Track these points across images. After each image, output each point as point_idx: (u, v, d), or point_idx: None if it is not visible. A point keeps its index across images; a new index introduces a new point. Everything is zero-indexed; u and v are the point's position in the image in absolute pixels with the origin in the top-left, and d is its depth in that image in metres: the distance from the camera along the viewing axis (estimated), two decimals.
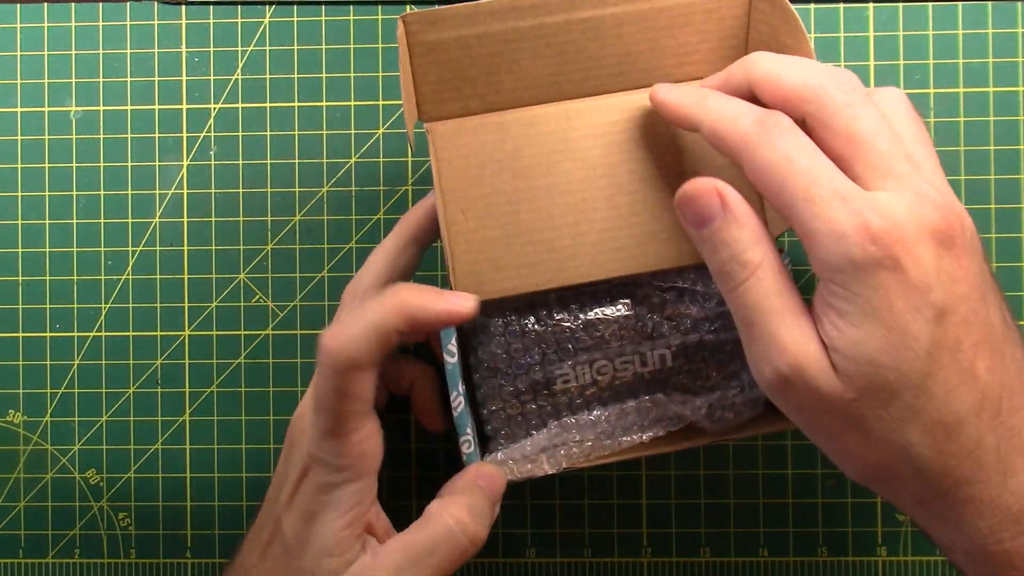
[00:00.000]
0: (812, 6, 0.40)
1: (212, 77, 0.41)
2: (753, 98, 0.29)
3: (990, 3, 0.40)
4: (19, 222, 0.41)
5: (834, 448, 0.28)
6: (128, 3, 0.42)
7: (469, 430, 0.32)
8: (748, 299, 0.28)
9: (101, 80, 0.41)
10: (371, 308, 0.30)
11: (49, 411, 0.42)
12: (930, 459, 0.26)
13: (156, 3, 0.41)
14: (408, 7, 0.41)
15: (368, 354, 0.29)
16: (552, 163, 0.33)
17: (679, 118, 0.31)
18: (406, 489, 0.41)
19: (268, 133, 0.41)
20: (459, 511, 0.31)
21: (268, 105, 0.41)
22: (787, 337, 0.27)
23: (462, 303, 0.31)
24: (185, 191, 0.41)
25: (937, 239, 0.26)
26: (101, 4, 0.41)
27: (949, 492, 0.27)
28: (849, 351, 0.26)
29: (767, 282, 0.28)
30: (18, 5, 0.42)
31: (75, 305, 0.41)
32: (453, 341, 0.32)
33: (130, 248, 0.41)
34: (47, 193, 0.41)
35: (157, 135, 0.41)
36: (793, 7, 0.31)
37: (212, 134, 0.41)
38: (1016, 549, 0.27)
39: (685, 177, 0.30)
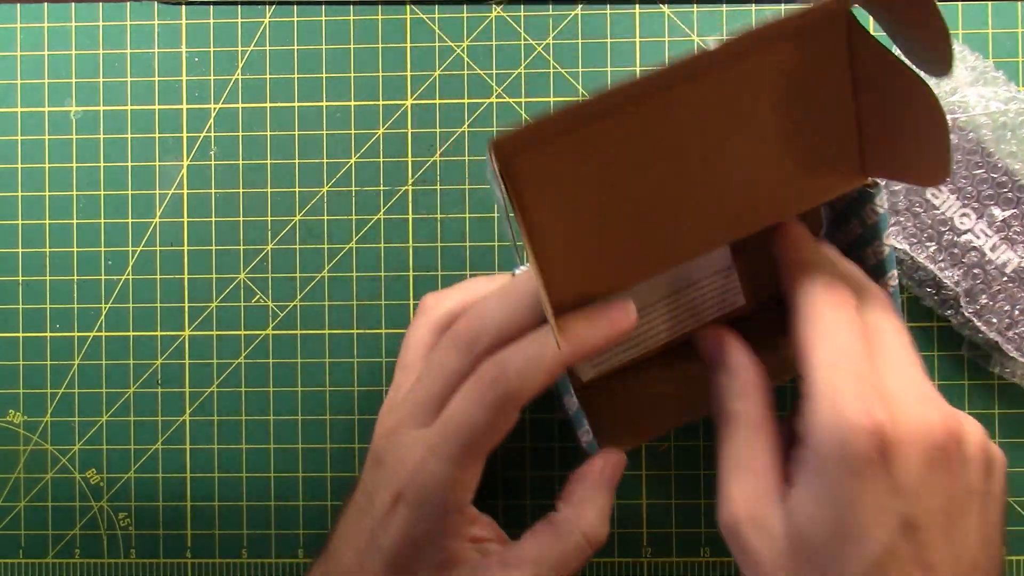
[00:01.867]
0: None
1: (212, 77, 0.41)
2: None
3: (990, 3, 0.40)
4: (19, 222, 0.41)
5: None
6: (128, 3, 0.42)
7: (585, 422, 0.32)
8: (721, 445, 0.30)
9: (101, 80, 0.41)
10: (544, 344, 0.29)
11: (49, 411, 0.42)
12: None
13: (156, 3, 0.41)
14: (408, 7, 0.41)
15: (535, 392, 0.29)
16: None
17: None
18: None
19: (268, 133, 0.41)
20: (591, 523, 0.31)
21: (268, 105, 0.41)
22: (737, 493, 0.29)
23: (624, 316, 0.29)
24: (185, 191, 0.41)
25: (933, 449, 0.26)
26: (101, 4, 0.41)
27: None
28: (803, 526, 0.27)
29: (739, 435, 0.30)
30: (18, 5, 0.42)
31: (75, 305, 0.41)
32: None
33: (130, 248, 0.41)
34: (47, 193, 0.41)
35: (157, 135, 0.41)
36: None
37: (212, 134, 0.41)
38: None
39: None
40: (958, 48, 0.38)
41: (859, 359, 0.27)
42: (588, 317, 0.29)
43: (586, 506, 0.32)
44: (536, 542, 0.32)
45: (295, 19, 0.41)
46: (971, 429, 0.27)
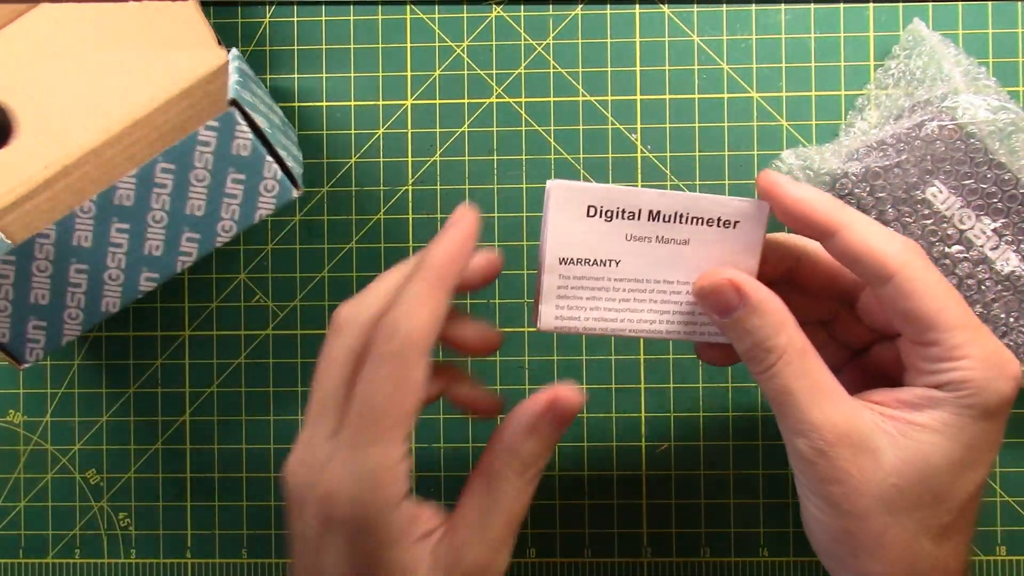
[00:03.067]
0: (812, 6, 0.40)
1: None
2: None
3: (990, 3, 0.40)
4: None
5: (844, 533, 0.29)
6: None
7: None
8: (777, 383, 0.29)
9: None
10: (420, 285, 0.28)
11: (49, 411, 0.42)
12: (931, 568, 0.29)
13: None
14: (408, 7, 0.41)
15: (433, 333, 0.28)
16: None
17: (811, 220, 0.30)
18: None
19: None
20: (521, 466, 0.29)
21: None
22: (829, 413, 0.28)
23: (464, 214, 0.29)
24: None
25: (1012, 401, 0.29)
26: None
27: None
28: (928, 453, 0.28)
29: (794, 366, 0.29)
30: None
31: None
32: None
33: None
34: None
35: None
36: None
37: None
38: None
39: None
40: (954, 51, 0.38)
41: (972, 314, 0.29)
42: (435, 239, 0.29)
43: (511, 455, 0.29)
44: (468, 507, 0.29)
45: (295, 19, 0.41)
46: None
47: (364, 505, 0.27)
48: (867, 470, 0.28)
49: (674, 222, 0.31)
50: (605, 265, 0.31)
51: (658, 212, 0.30)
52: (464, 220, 0.29)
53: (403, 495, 0.27)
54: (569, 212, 0.30)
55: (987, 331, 0.29)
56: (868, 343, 0.33)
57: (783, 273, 0.33)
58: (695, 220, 0.31)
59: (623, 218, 0.30)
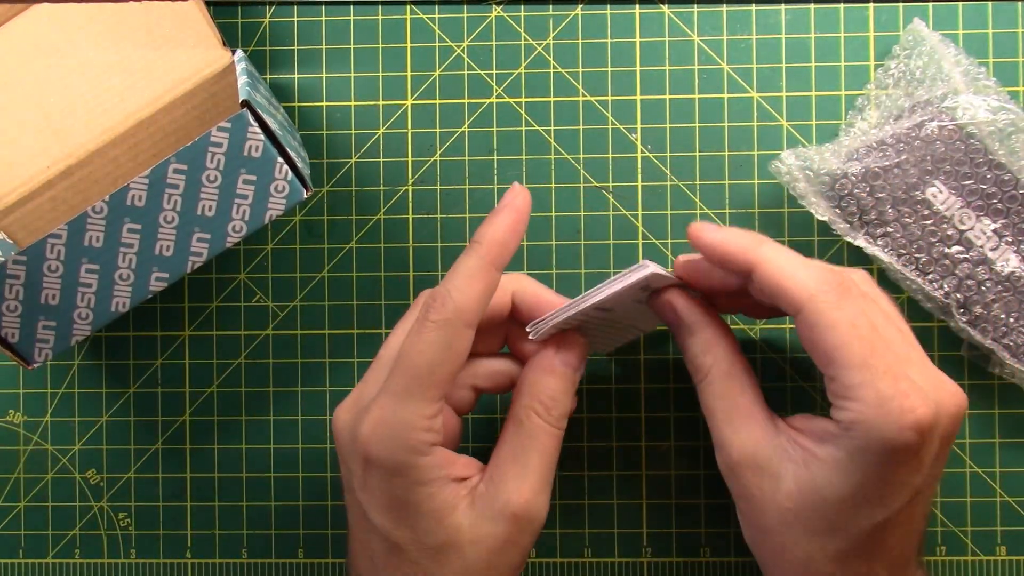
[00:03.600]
0: (812, 6, 0.40)
1: None
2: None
3: (990, 3, 0.40)
4: None
5: (752, 542, 0.32)
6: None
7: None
8: (703, 399, 0.32)
9: None
10: (471, 263, 0.31)
11: (49, 411, 0.42)
12: None
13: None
14: (408, 7, 0.41)
15: (482, 308, 0.30)
16: None
17: (730, 259, 0.31)
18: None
19: None
20: (542, 407, 0.32)
21: None
22: (732, 439, 0.31)
23: (515, 194, 0.32)
24: None
25: (948, 434, 0.29)
26: None
27: None
28: (821, 485, 0.29)
29: (715, 386, 0.31)
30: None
31: None
32: None
33: None
34: None
35: None
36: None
37: None
38: None
39: None
40: (954, 51, 0.38)
41: (884, 354, 0.29)
42: (489, 218, 0.31)
43: (530, 393, 0.32)
44: (503, 449, 0.32)
45: (295, 19, 0.41)
46: (963, 398, 0.30)
47: (396, 449, 0.29)
48: (767, 492, 0.30)
49: (613, 309, 0.33)
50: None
51: (606, 308, 0.33)
52: (517, 200, 0.31)
53: (435, 443, 0.30)
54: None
55: (895, 375, 0.28)
56: None
57: (742, 286, 0.32)
58: (644, 289, 0.33)
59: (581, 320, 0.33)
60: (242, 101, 0.32)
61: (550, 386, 0.32)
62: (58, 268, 0.33)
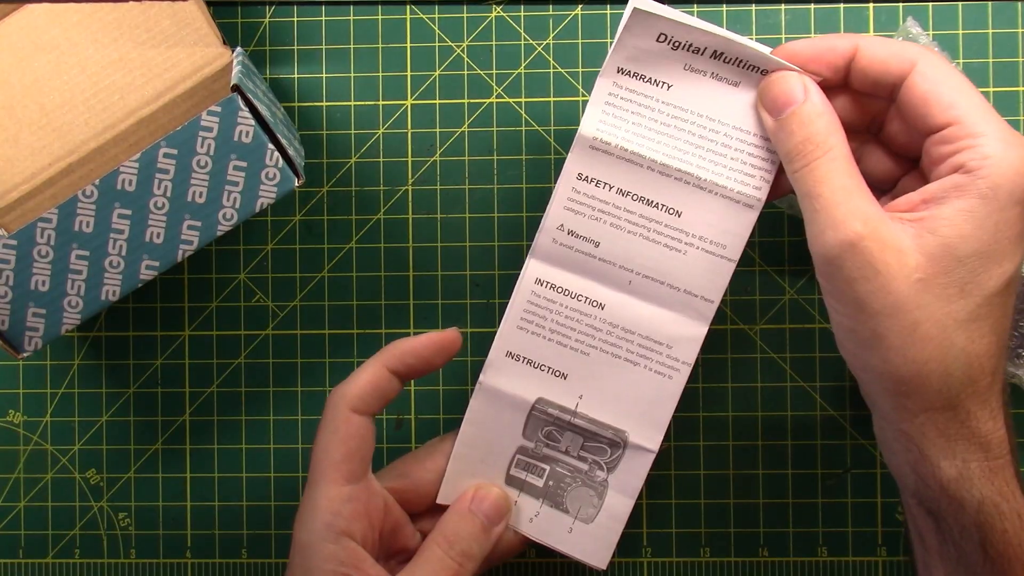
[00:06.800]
0: (812, 6, 0.40)
1: None
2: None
3: (990, 3, 0.40)
4: None
5: (872, 335, 0.29)
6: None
7: None
8: (819, 173, 0.30)
9: None
10: (369, 361, 0.34)
11: (49, 411, 0.42)
12: (965, 364, 0.29)
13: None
14: (408, 7, 0.41)
15: (364, 393, 0.33)
16: None
17: (829, 60, 0.32)
18: None
19: None
20: (445, 542, 0.33)
21: None
22: (852, 214, 0.29)
23: (448, 334, 0.35)
24: None
25: None
26: None
27: (961, 403, 0.29)
28: (953, 242, 0.28)
29: (840, 162, 0.30)
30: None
31: None
32: None
33: None
34: None
35: None
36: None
37: None
38: (970, 474, 0.29)
39: None
40: (938, 51, 0.38)
41: (991, 108, 0.30)
42: (414, 339, 0.34)
43: (441, 534, 0.34)
44: (408, 569, 0.33)
45: (295, 19, 0.41)
46: None
47: (301, 532, 0.32)
48: (893, 266, 0.29)
49: (733, 65, 0.33)
50: (658, 86, 0.33)
51: (721, 53, 0.33)
52: (445, 335, 0.34)
53: (343, 532, 0.32)
54: (641, 33, 0.32)
55: (997, 115, 0.30)
56: (918, 150, 0.33)
57: (832, 76, 0.33)
58: (753, 68, 0.33)
59: (687, 50, 0.33)
60: (232, 85, 0.32)
61: (458, 527, 0.34)
62: (48, 253, 0.33)
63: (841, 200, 0.29)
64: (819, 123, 0.31)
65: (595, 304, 0.34)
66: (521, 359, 0.35)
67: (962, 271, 0.28)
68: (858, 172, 0.30)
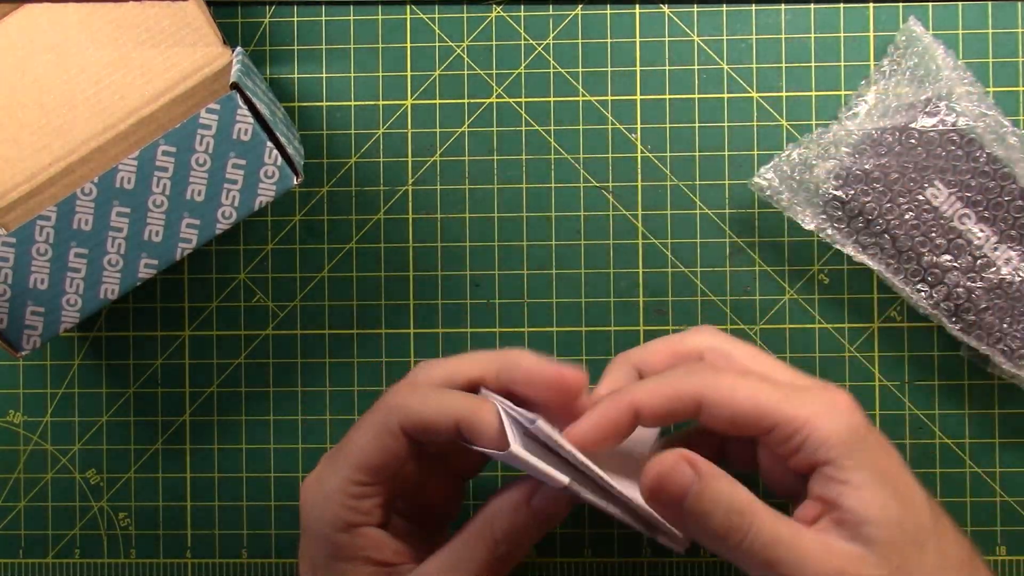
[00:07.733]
0: (812, 6, 0.40)
1: None
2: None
3: (990, 3, 0.40)
4: None
5: None
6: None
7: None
8: (764, 539, 0.28)
9: None
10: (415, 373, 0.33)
11: (49, 411, 0.42)
12: None
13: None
14: (408, 7, 0.41)
15: (423, 422, 0.31)
16: None
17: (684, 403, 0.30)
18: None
19: None
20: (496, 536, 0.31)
21: None
22: (820, 550, 0.28)
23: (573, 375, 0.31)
24: None
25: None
26: None
27: None
28: (879, 516, 0.28)
29: (768, 512, 0.28)
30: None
31: None
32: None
33: None
34: None
35: None
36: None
37: None
38: None
39: None
40: (943, 52, 0.38)
41: (790, 383, 0.31)
42: (506, 361, 0.32)
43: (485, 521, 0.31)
44: (442, 554, 0.31)
45: (295, 19, 0.41)
46: None
47: (319, 519, 0.31)
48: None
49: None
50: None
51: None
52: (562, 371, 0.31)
53: (362, 522, 0.30)
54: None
55: (793, 373, 0.31)
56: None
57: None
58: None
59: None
60: (231, 83, 0.32)
61: (506, 525, 0.31)
62: (47, 251, 0.33)
63: (805, 551, 0.28)
64: (729, 489, 0.28)
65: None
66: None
67: (905, 533, 0.28)
68: (771, 509, 0.28)
